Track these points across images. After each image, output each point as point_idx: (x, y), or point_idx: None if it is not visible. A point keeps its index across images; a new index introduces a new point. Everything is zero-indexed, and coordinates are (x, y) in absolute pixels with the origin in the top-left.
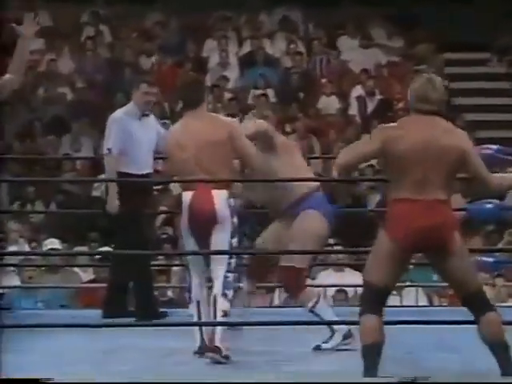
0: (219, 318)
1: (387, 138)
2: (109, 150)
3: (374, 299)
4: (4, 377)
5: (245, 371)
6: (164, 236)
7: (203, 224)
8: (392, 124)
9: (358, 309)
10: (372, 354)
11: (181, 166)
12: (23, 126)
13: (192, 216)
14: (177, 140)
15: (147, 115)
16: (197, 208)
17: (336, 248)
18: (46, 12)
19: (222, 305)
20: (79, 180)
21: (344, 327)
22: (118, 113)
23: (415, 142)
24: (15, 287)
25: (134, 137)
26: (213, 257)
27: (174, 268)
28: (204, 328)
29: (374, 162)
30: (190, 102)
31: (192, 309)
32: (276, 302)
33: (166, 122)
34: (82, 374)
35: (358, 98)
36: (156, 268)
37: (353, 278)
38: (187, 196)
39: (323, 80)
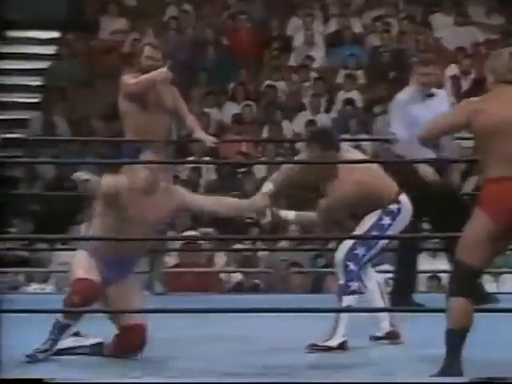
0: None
1: (472, 112)
2: (395, 135)
3: (466, 281)
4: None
5: None
6: (249, 220)
7: None
8: (478, 98)
9: None
10: (457, 339)
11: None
12: (108, 107)
13: None
14: None
15: (432, 95)
16: None
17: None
18: None
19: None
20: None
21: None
22: (401, 95)
23: (504, 115)
24: None
25: (418, 121)
26: None
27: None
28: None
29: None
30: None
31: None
32: None
33: None
34: None
35: (453, 77)
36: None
37: (447, 263)
38: None
39: (415, 59)
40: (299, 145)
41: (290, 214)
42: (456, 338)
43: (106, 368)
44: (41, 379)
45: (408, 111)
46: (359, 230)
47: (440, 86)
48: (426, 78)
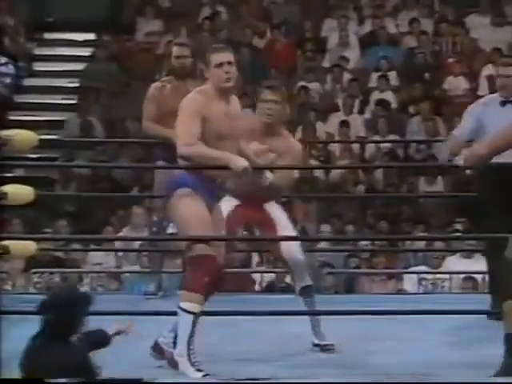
0: None
1: None
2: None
3: None
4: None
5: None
6: None
7: None
8: None
9: (486, 296)
10: None
11: None
12: (142, 109)
13: None
14: None
15: None
16: None
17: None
18: None
19: None
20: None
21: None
22: (481, 100)
23: None
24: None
25: (489, 127)
26: None
27: None
28: None
29: None
30: None
31: None
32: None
33: None
34: None
35: (489, 77)
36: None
37: (483, 264)
38: None
39: (450, 60)
40: (332, 146)
41: (270, 176)
42: None
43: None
44: (41, 379)
45: (478, 116)
46: (283, 218)
47: None
48: (506, 80)
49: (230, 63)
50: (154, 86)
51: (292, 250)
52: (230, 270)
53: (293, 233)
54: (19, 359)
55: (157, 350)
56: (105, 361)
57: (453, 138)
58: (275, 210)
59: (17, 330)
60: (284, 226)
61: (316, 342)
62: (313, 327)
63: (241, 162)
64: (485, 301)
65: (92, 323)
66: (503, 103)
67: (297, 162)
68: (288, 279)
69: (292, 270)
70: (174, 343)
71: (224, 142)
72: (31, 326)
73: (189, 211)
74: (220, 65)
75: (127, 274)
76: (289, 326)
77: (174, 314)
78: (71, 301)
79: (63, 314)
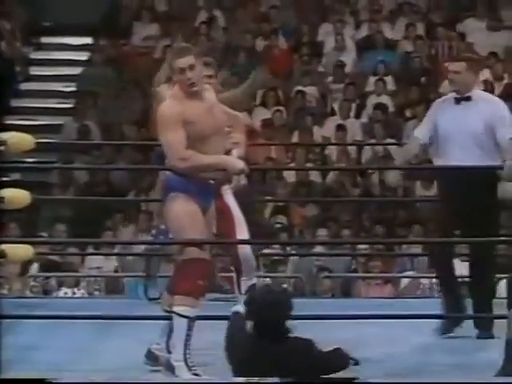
0: None
1: None
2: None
3: None
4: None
5: None
6: (278, 225)
7: None
8: None
9: None
10: None
11: None
12: (139, 113)
13: None
14: None
15: (469, 98)
16: None
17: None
18: None
19: None
20: None
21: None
22: (438, 99)
23: None
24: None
25: (442, 125)
26: None
27: (291, 258)
28: None
29: None
30: None
31: None
32: None
33: None
34: None
35: (485, 82)
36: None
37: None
38: None
39: (446, 64)
40: (329, 150)
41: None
42: None
43: None
44: (42, 379)
45: (436, 113)
46: (235, 204)
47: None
48: (453, 75)
49: (191, 67)
50: (164, 86)
51: (246, 245)
52: (227, 274)
53: (242, 220)
54: (233, 361)
55: (151, 357)
56: (104, 363)
57: (413, 139)
58: (229, 196)
59: (13, 333)
60: (237, 212)
61: None
62: None
63: (238, 164)
64: None
65: (92, 325)
66: (457, 101)
67: (243, 133)
68: (286, 283)
69: (241, 265)
70: (168, 347)
71: (209, 140)
72: (28, 329)
73: (181, 215)
74: (182, 70)
75: (125, 278)
76: None
77: (168, 318)
78: (282, 303)
79: (278, 316)
